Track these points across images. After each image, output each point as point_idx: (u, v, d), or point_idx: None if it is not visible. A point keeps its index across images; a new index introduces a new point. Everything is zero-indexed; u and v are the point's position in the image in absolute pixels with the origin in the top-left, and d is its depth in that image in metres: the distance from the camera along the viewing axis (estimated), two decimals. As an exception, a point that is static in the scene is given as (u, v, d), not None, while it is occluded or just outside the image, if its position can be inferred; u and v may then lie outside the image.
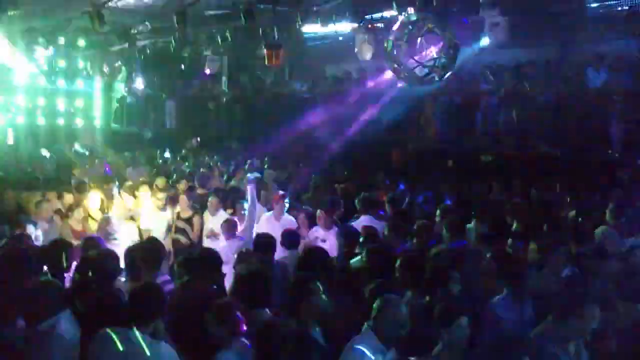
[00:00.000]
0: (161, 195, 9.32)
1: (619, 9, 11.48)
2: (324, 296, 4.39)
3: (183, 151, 16.84)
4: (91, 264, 5.09)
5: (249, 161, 13.62)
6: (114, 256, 5.32)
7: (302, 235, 7.79)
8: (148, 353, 3.81)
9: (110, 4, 10.86)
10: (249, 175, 9.72)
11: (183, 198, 9.12)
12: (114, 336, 3.87)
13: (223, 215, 8.84)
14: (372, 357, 3.84)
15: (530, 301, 5.12)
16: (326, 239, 7.67)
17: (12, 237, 6.51)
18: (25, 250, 5.53)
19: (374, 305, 4.08)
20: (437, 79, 8.66)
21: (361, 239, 6.56)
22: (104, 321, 4.04)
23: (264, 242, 6.26)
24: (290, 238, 6.94)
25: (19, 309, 4.24)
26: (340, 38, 14.67)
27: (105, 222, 7.76)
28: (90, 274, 4.96)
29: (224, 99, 17.67)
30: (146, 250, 5.57)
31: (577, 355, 4.22)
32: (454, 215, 7.48)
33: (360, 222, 7.96)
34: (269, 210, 9.24)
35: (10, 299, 4.34)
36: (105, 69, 16.86)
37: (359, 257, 6.05)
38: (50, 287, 4.35)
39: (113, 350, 3.81)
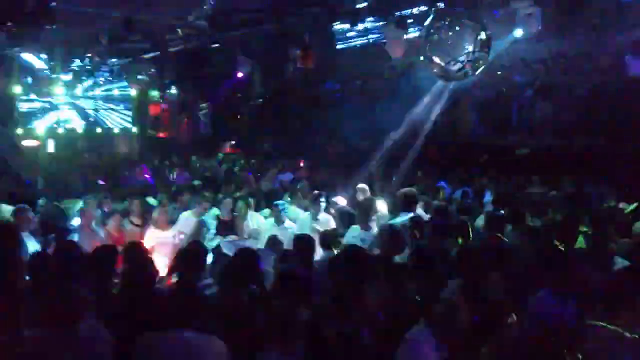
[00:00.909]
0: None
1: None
2: (372, 296, 4.39)
3: (218, 155, 17.01)
4: (133, 268, 5.18)
5: (281, 162, 13.72)
6: (153, 261, 5.41)
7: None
8: (196, 350, 3.85)
9: (142, 12, 11.04)
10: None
11: (227, 202, 9.17)
12: (160, 337, 3.92)
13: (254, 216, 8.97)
14: (430, 352, 3.83)
15: (575, 295, 5.05)
16: (365, 238, 7.63)
17: (60, 244, 6.62)
18: (75, 256, 5.67)
19: (434, 304, 4.06)
20: (470, 73, 8.59)
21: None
22: (149, 323, 4.11)
23: (304, 242, 6.28)
24: (328, 238, 6.96)
25: (51, 314, 4.30)
26: (371, 36, 14.65)
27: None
28: (130, 278, 5.05)
29: (256, 102, 17.78)
30: (189, 253, 5.69)
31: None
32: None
33: (400, 219, 7.93)
34: (305, 210, 9.31)
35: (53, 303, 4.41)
36: (140, 76, 17.12)
37: (403, 255, 6.03)
38: (78, 292, 4.40)
39: (162, 352, 3.87)
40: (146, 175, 14.36)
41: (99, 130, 20.82)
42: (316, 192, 9.33)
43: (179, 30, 13.51)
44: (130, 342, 4.00)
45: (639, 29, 11.92)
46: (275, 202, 9.12)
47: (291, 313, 4.29)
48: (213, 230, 8.78)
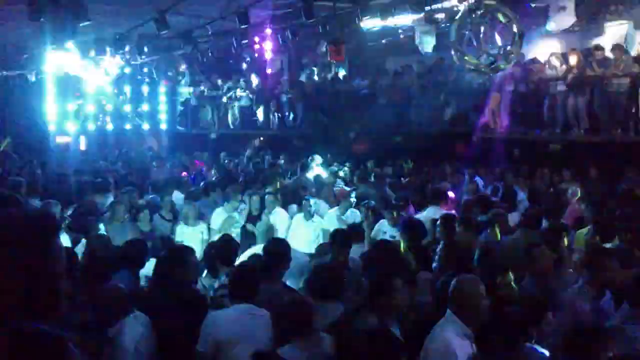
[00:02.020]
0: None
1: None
2: (402, 292, 4.35)
3: (247, 151, 17.04)
4: (168, 261, 5.19)
5: (311, 157, 13.68)
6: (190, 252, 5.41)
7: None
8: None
9: (173, 9, 11.14)
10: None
11: (255, 199, 9.18)
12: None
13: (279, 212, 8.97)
14: (459, 342, 3.79)
15: (609, 291, 4.96)
16: (395, 235, 7.56)
17: (91, 238, 6.68)
18: (106, 251, 5.73)
19: (451, 287, 4.04)
20: (502, 67, 8.49)
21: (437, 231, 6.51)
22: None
23: (341, 236, 6.25)
24: (355, 232, 6.97)
25: (90, 314, 4.34)
26: (400, 31, 14.56)
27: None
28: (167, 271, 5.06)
29: (286, 98, 17.78)
30: (221, 247, 5.73)
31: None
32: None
33: (428, 213, 7.88)
34: (331, 206, 9.33)
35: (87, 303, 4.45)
36: (170, 73, 17.28)
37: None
38: (117, 292, 4.42)
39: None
40: (201, 167, 14.56)
41: (128, 126, 21.07)
42: (347, 188, 9.33)
43: (209, 27, 13.62)
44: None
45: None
46: (306, 197, 9.12)
47: (322, 307, 4.29)
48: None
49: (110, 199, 9.56)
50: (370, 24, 12.69)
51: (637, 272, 4.73)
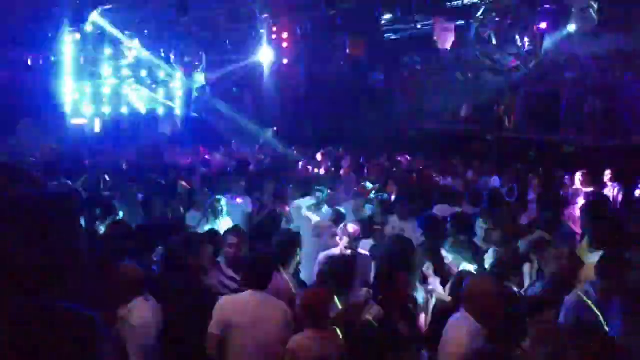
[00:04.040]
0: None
1: None
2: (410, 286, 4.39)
3: (260, 141, 17.05)
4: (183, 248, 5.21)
5: (324, 150, 13.68)
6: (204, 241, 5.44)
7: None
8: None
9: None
10: None
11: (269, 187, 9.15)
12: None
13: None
14: (469, 339, 3.82)
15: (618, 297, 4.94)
16: (404, 228, 7.55)
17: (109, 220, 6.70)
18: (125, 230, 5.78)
19: (464, 285, 4.08)
20: (522, 67, 8.45)
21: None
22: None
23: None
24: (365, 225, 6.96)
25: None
26: (419, 26, 14.48)
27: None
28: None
29: (302, 89, 17.78)
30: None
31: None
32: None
33: (438, 210, 7.87)
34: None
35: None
36: (187, 58, 17.28)
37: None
38: (132, 272, 4.46)
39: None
40: (206, 156, 14.48)
41: (143, 111, 21.11)
42: (369, 184, 9.34)
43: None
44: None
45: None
46: (318, 188, 9.07)
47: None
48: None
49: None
50: (389, 18, 12.66)
51: None
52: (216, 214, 7.81)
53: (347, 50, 12.12)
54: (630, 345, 4.04)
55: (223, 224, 7.31)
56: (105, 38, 15.81)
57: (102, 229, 6.33)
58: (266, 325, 4.19)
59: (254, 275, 4.46)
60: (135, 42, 16.50)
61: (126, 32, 14.87)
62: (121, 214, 7.26)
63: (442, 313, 4.50)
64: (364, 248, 6.25)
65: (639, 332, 4.22)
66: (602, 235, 5.86)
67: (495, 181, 10.62)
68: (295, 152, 14.90)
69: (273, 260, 4.92)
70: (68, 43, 15.76)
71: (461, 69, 13.97)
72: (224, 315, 4.26)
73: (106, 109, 20.08)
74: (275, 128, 18.63)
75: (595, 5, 9.33)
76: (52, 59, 17.66)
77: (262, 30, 14.81)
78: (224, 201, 8.08)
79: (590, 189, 9.18)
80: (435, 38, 12.60)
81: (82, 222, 5.80)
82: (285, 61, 17.83)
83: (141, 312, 4.28)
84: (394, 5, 11.56)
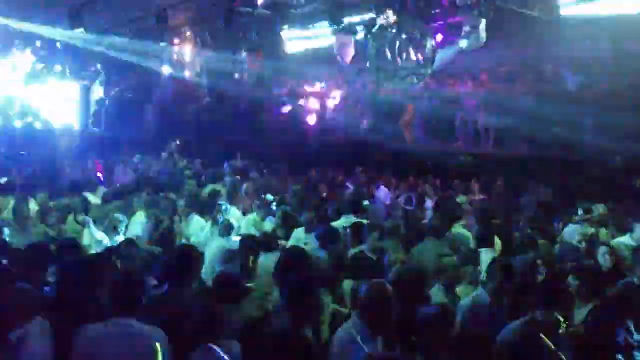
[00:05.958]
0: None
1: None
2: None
3: (162, 154, 16.71)
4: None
5: (227, 163, 13.61)
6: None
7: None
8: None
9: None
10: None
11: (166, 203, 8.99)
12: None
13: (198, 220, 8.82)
14: (361, 344, 3.88)
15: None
16: (308, 241, 7.56)
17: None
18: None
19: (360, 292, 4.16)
20: (415, 80, 8.77)
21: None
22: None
23: (251, 242, 6.23)
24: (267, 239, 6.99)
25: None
26: (320, 40, 14.68)
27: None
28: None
29: (205, 102, 17.58)
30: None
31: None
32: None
33: (342, 222, 8.00)
34: (244, 213, 9.29)
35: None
36: (83, 72, 16.75)
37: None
38: (25, 293, 4.23)
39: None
40: (98, 173, 13.95)
41: (38, 125, 20.16)
42: (270, 196, 9.38)
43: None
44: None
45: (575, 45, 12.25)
46: (219, 202, 8.99)
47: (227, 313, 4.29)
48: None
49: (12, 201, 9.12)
50: (290, 33, 12.78)
51: None
52: (116, 230, 7.65)
53: (246, 65, 12.13)
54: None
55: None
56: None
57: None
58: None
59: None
60: (28, 53, 15.79)
61: (17, 42, 14.19)
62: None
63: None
64: (269, 262, 6.23)
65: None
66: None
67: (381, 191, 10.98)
68: (200, 165, 14.72)
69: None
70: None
71: (362, 83, 14.27)
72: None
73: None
74: (177, 142, 18.30)
75: (483, 25, 9.79)
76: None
77: (162, 44, 14.56)
78: (123, 217, 7.92)
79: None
80: (335, 52, 12.85)
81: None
82: (187, 74, 17.62)
83: (34, 335, 4.05)
84: (294, 20, 11.69)
